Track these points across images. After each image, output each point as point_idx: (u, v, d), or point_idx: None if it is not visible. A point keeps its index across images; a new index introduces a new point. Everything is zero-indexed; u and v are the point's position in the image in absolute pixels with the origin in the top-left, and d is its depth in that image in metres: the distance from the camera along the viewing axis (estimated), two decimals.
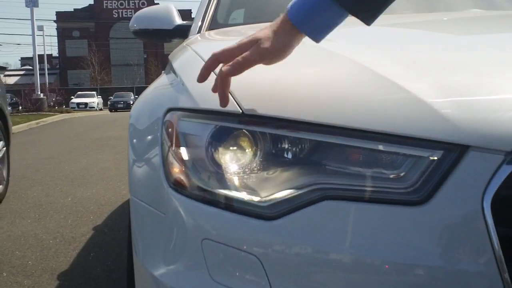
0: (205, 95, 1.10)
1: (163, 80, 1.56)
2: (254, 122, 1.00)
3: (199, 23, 2.19)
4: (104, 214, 4.08)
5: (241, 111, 1.01)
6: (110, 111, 36.85)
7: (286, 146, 0.98)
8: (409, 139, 0.88)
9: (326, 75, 1.08)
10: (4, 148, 4.79)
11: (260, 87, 1.06)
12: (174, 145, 1.11)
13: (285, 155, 0.98)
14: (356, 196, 0.89)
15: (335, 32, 1.06)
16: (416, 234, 0.85)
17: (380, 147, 0.90)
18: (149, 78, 59.20)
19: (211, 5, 2.30)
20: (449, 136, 0.86)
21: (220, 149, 1.03)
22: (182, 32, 2.33)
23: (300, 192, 0.93)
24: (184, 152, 1.08)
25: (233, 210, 0.97)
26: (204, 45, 1.64)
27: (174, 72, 1.46)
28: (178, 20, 2.38)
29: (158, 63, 63.02)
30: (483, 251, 0.82)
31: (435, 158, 0.87)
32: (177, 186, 1.07)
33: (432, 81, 0.97)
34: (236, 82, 1.06)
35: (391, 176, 0.89)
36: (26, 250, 3.18)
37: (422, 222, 0.85)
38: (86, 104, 40.36)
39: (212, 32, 2.02)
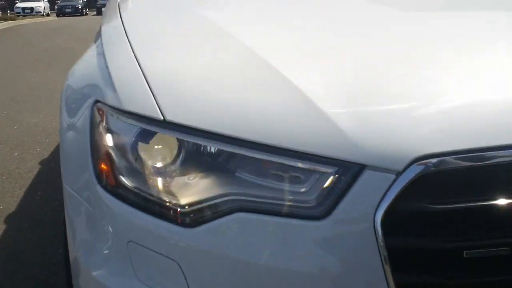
0: (130, 94, 1.13)
1: (94, 50, 1.56)
2: (175, 129, 1.04)
3: None
4: (52, 145, 4.08)
5: (162, 118, 1.05)
6: (58, 16, 35.35)
7: (205, 154, 1.04)
8: (313, 156, 0.96)
9: (245, 87, 1.11)
10: None
11: (185, 94, 1.10)
12: (102, 141, 1.15)
13: (204, 164, 1.04)
14: (265, 209, 0.97)
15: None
16: (317, 246, 0.95)
17: (286, 162, 0.97)
18: None
19: None
20: (348, 156, 0.94)
21: (144, 152, 1.08)
22: None
23: (216, 201, 1.00)
24: (111, 150, 1.12)
25: (156, 215, 1.04)
26: (134, 18, 1.62)
27: (102, 47, 1.46)
28: None
29: None
30: (372, 265, 0.92)
31: (336, 175, 0.95)
32: (106, 184, 1.12)
33: (339, 101, 1.02)
34: (162, 87, 1.09)
35: (297, 190, 0.97)
36: None
37: (322, 235, 0.95)
38: (32, 8, 38.37)
39: None
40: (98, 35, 1.71)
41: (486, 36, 1.36)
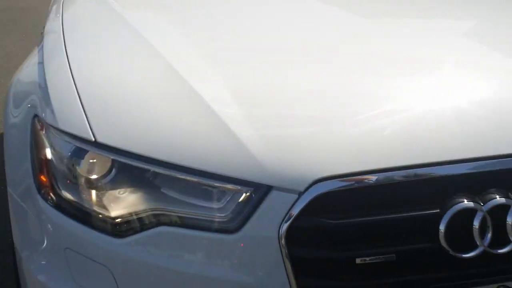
0: (65, 114, 1.23)
1: (35, 58, 1.63)
2: (105, 149, 1.15)
3: None
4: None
5: (94, 139, 1.16)
6: None
7: (133, 172, 1.15)
8: (226, 177, 1.08)
9: (167, 113, 1.21)
10: None
11: (114, 117, 1.20)
12: (42, 154, 1.26)
13: (132, 180, 1.15)
14: (185, 224, 1.10)
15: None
16: (231, 256, 1.08)
17: (202, 182, 1.09)
18: None
19: None
20: (257, 178, 1.07)
21: (79, 167, 1.19)
22: None
23: (142, 215, 1.12)
24: (50, 163, 1.23)
25: (89, 225, 1.16)
26: (74, 27, 1.67)
27: (43, 57, 1.54)
28: None
29: None
30: (277, 271, 1.06)
31: (247, 194, 1.08)
32: (45, 194, 1.23)
33: (252, 125, 1.14)
34: (95, 109, 1.20)
35: (213, 207, 1.10)
36: None
37: (235, 246, 1.08)
38: None
39: None
40: (41, 37, 1.77)
41: (392, 62, 1.42)
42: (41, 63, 1.51)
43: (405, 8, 1.85)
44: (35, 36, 6.67)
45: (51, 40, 1.60)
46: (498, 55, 1.49)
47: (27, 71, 1.62)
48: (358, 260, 1.07)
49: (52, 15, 1.84)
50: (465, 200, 1.08)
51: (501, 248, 1.10)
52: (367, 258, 1.07)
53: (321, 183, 1.05)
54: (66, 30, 1.58)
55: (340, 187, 1.05)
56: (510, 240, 1.09)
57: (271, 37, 1.56)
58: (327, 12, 1.82)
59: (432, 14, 1.80)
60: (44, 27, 1.82)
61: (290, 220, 1.05)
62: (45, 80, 1.37)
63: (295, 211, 1.05)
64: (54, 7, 1.91)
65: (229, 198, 1.09)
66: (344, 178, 1.06)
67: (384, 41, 1.53)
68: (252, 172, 1.07)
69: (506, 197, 1.09)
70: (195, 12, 1.77)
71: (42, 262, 1.23)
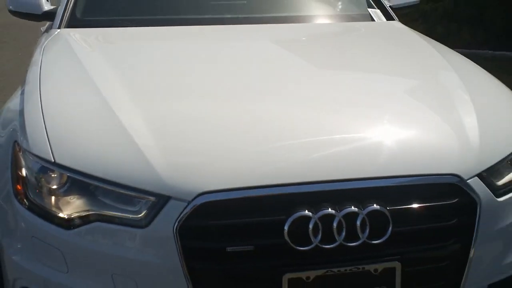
0: (35, 141, 1.75)
1: (19, 94, 2.15)
2: (61, 167, 1.67)
3: (60, 15, 2.71)
4: None
5: (53, 159, 1.68)
6: None
7: (79, 183, 1.67)
8: (137, 189, 1.60)
9: (98, 138, 1.76)
10: None
11: (68, 144, 1.73)
12: (18, 170, 1.77)
13: (78, 189, 1.67)
14: (112, 220, 1.61)
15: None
16: (143, 244, 1.60)
17: (126, 192, 1.61)
18: None
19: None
20: (161, 191, 1.59)
21: (43, 179, 1.71)
22: (51, 16, 2.83)
23: (83, 214, 1.64)
24: (23, 177, 1.75)
25: (48, 220, 1.67)
26: (47, 79, 2.17)
27: (23, 96, 2.06)
28: (46, 6, 2.86)
29: None
30: (173, 255, 1.57)
31: (154, 201, 1.59)
32: (19, 198, 1.74)
33: (161, 146, 1.68)
34: (56, 138, 1.72)
35: (131, 209, 1.62)
36: None
37: (146, 237, 1.59)
38: None
39: (69, 40, 2.54)
40: (26, 76, 2.30)
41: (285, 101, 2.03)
42: (22, 101, 2.04)
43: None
44: (24, 53, 6.41)
45: (31, 82, 2.12)
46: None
47: (12, 104, 2.14)
48: (228, 249, 1.58)
49: (34, 59, 2.38)
50: (306, 210, 1.59)
51: (329, 244, 1.61)
52: (234, 248, 1.58)
53: (203, 195, 1.57)
54: (42, 77, 2.11)
55: (215, 199, 1.57)
56: (336, 239, 1.60)
57: (194, 82, 2.13)
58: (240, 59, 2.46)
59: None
60: (27, 68, 2.35)
61: (181, 220, 1.56)
62: (23, 113, 1.90)
63: (184, 214, 1.56)
64: (37, 53, 2.45)
65: (142, 204, 1.61)
66: (219, 193, 1.57)
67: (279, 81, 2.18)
68: (157, 186, 1.59)
69: (334, 209, 1.60)
70: (138, 61, 2.36)
71: (18, 246, 1.75)
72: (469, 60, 2.53)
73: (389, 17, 3.08)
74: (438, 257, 1.72)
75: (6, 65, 6.60)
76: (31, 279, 1.70)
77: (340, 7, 3.21)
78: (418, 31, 3.00)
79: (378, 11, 3.10)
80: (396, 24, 3.04)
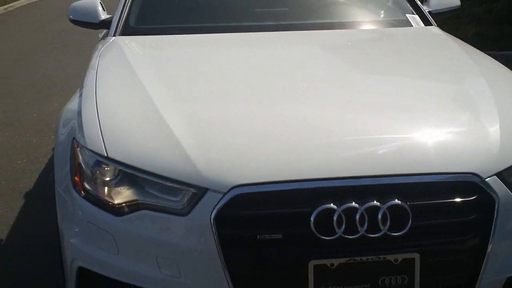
0: (91, 138, 1.97)
1: (78, 96, 2.39)
2: (113, 161, 1.89)
3: (115, 24, 2.96)
4: None
5: (106, 154, 1.90)
6: None
7: (129, 176, 1.88)
8: (181, 182, 1.79)
9: (149, 137, 1.95)
10: None
11: (120, 141, 1.94)
12: (76, 163, 2.00)
13: (129, 181, 1.88)
14: (157, 209, 1.81)
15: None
16: (185, 230, 1.79)
17: (170, 185, 1.81)
18: None
19: (126, 5, 3.03)
20: (200, 183, 1.77)
21: (98, 172, 1.93)
22: (107, 24, 3.09)
23: (132, 203, 1.84)
24: (80, 170, 1.98)
25: (102, 208, 1.89)
26: (102, 83, 2.42)
27: (81, 97, 2.30)
28: (103, 15, 3.12)
29: None
30: (210, 241, 1.75)
31: (194, 192, 1.78)
32: (77, 188, 1.97)
33: (200, 146, 1.87)
34: (110, 135, 1.93)
35: (173, 199, 1.81)
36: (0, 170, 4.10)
37: (187, 224, 1.79)
38: None
39: (122, 47, 2.79)
40: (84, 79, 2.54)
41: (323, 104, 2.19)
42: (80, 102, 2.28)
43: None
44: (84, 57, 7.16)
45: (88, 85, 2.36)
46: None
47: (72, 105, 2.39)
48: (259, 237, 1.75)
49: (92, 63, 2.64)
50: (331, 203, 1.75)
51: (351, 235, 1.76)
52: (264, 236, 1.75)
53: (236, 188, 1.74)
54: (98, 81, 2.35)
55: (248, 191, 1.75)
56: (358, 231, 1.75)
57: (233, 86, 2.34)
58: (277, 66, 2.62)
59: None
60: (86, 72, 2.60)
61: (217, 210, 1.74)
62: (81, 114, 2.13)
63: (220, 205, 1.74)
64: (94, 58, 2.70)
65: (183, 194, 1.80)
66: (251, 186, 1.75)
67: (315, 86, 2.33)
68: (197, 179, 1.78)
69: (357, 203, 1.74)
70: (184, 66, 2.58)
71: (75, 230, 1.97)
72: (501, 64, 2.62)
73: (427, 23, 3.19)
74: (457, 250, 1.83)
75: (70, 69, 7.26)
76: (87, 259, 1.93)
77: (379, 13, 3.34)
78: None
79: (416, 16, 3.21)
80: (434, 29, 3.14)
